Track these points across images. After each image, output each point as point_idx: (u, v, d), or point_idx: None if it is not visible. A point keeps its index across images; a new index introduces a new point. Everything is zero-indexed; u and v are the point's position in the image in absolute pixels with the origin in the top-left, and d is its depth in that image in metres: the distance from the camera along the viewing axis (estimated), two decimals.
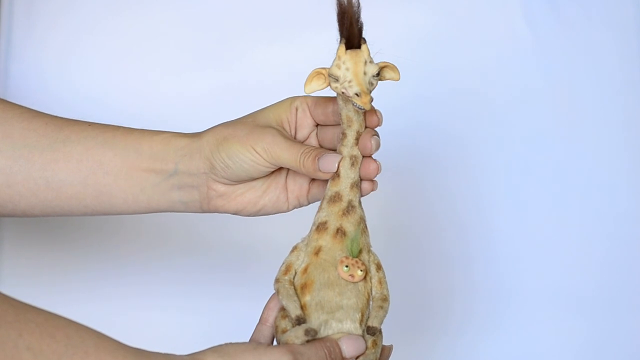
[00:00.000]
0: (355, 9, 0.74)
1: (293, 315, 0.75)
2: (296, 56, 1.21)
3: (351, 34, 0.74)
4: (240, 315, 1.13)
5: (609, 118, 1.24)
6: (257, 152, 0.80)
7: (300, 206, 0.86)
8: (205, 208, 0.84)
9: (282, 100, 0.84)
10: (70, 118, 0.85)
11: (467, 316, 1.21)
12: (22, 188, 0.82)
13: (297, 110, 0.83)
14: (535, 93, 1.24)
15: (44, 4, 1.19)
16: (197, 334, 1.17)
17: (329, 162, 0.78)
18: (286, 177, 0.85)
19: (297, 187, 0.85)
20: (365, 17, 0.75)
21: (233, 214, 0.85)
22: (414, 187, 1.21)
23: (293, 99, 0.83)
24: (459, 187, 1.22)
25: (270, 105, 0.84)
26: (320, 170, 0.78)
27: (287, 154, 0.79)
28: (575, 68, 1.24)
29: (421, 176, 1.22)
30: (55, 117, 0.85)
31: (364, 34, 0.75)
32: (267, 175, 0.83)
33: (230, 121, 0.84)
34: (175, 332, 1.18)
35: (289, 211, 0.86)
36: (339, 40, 0.75)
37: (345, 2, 0.74)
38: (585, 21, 1.25)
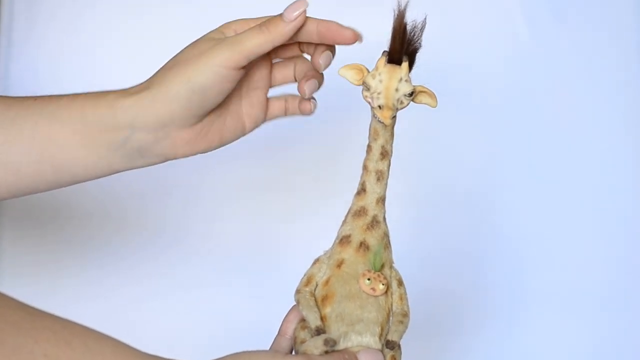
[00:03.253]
0: (406, 26, 0.74)
1: (313, 326, 0.75)
2: None
3: (394, 49, 0.74)
4: (249, 317, 1.14)
5: (609, 118, 1.24)
6: (222, 64, 0.78)
7: (257, 127, 0.87)
8: (171, 157, 0.83)
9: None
10: (17, 96, 0.83)
11: (479, 318, 1.22)
12: None
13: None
14: (534, 92, 1.24)
15: (44, 4, 1.18)
16: (201, 335, 1.17)
17: (293, 7, 0.78)
18: (241, 103, 0.85)
19: (253, 110, 0.85)
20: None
21: (197, 153, 0.84)
22: (415, 187, 1.21)
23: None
24: (459, 187, 1.22)
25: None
26: (287, 20, 0.78)
27: (250, 35, 0.78)
28: (575, 68, 1.24)
29: (422, 176, 1.22)
30: (3, 96, 0.83)
31: (418, 56, 0.76)
32: (224, 107, 0.83)
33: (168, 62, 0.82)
34: (179, 331, 1.17)
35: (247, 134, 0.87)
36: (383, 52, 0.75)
37: (398, 17, 0.74)
38: (585, 21, 1.25)
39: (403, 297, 0.77)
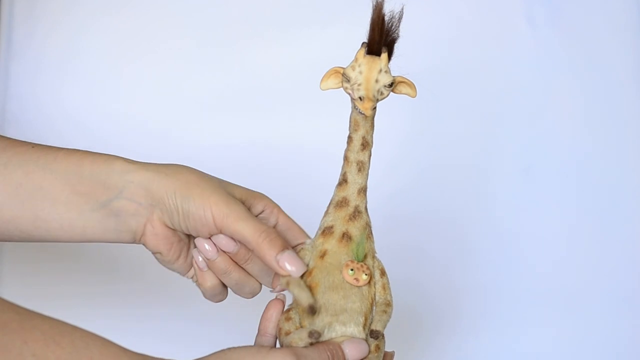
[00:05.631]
0: (384, 17, 0.74)
1: (306, 304, 0.74)
2: (294, 57, 1.22)
3: (372, 40, 0.74)
4: (239, 322, 1.14)
5: (609, 118, 1.24)
6: (212, 215, 0.77)
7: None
8: (137, 240, 0.81)
9: (253, 191, 0.82)
10: (14, 139, 0.82)
11: (457, 317, 1.22)
12: None
13: (262, 211, 0.82)
14: (535, 92, 1.24)
15: (44, 4, 1.19)
16: (200, 337, 1.17)
17: (291, 260, 0.77)
18: None
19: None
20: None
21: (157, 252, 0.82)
22: (410, 184, 1.22)
23: (265, 198, 0.82)
24: (454, 186, 1.23)
25: (239, 185, 0.82)
26: (277, 262, 0.76)
27: (247, 228, 0.77)
28: (574, 67, 1.25)
29: (417, 173, 1.22)
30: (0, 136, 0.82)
31: (396, 47, 0.75)
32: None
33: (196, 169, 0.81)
34: (176, 338, 1.18)
35: None
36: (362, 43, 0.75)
37: (376, 8, 0.74)
38: (585, 21, 1.25)
39: (386, 287, 0.78)
